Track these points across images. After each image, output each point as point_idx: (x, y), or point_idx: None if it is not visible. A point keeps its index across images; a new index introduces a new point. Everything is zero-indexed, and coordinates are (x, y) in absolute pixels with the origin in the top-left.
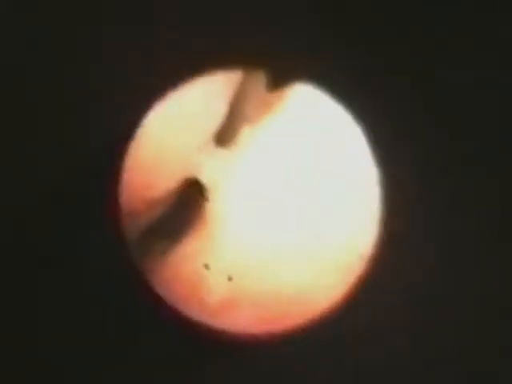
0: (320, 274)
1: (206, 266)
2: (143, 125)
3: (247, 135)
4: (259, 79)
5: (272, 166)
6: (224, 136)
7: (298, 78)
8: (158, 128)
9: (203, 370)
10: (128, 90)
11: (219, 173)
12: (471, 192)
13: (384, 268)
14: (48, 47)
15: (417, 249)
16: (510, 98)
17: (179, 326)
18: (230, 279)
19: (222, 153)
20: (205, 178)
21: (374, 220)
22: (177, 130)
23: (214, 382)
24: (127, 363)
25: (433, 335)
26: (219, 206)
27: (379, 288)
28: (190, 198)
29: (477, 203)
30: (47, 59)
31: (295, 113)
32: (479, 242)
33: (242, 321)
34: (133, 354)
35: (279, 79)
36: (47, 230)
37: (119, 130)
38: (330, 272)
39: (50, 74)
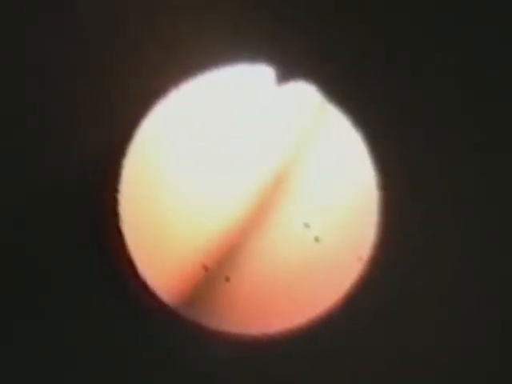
0: (319, 275)
1: (204, 267)
2: (143, 125)
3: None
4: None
5: (270, 167)
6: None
7: (295, 77)
8: (158, 128)
9: (203, 370)
10: (128, 89)
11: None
12: (471, 193)
13: (383, 270)
14: (48, 46)
15: (415, 250)
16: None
17: (177, 327)
18: (227, 280)
19: None
20: None
21: (372, 222)
22: (177, 129)
23: (214, 382)
24: (128, 363)
25: (433, 336)
26: (218, 208)
27: (378, 289)
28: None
29: (477, 204)
30: (46, 58)
31: (292, 113)
32: (479, 242)
33: (241, 321)
34: (132, 354)
35: (279, 78)
36: (45, 229)
37: (119, 129)
38: (329, 273)
39: (49, 73)
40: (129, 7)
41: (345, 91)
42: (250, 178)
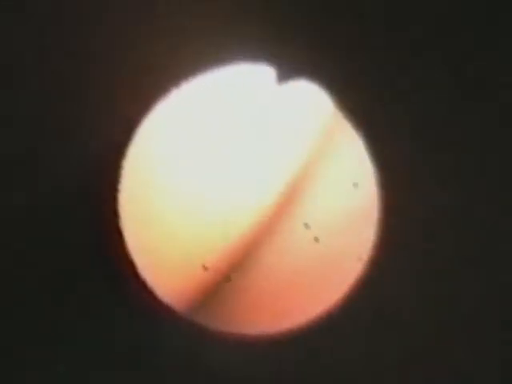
0: (319, 275)
1: (204, 267)
2: (143, 125)
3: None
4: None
5: (270, 167)
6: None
7: (296, 76)
8: (158, 128)
9: (203, 370)
10: (128, 89)
11: None
12: (471, 194)
13: (383, 270)
14: (48, 47)
15: (415, 251)
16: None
17: (176, 327)
18: (227, 280)
19: None
20: None
21: (372, 222)
22: (177, 129)
23: (214, 382)
24: (128, 363)
25: (433, 336)
26: (218, 208)
27: (378, 290)
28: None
29: (477, 205)
30: (46, 58)
31: (293, 113)
32: (480, 243)
33: (241, 322)
34: (132, 354)
35: (280, 78)
36: (45, 229)
37: (119, 129)
38: (329, 273)
39: (49, 73)
40: (129, 7)
41: (346, 91)
42: (249, 178)
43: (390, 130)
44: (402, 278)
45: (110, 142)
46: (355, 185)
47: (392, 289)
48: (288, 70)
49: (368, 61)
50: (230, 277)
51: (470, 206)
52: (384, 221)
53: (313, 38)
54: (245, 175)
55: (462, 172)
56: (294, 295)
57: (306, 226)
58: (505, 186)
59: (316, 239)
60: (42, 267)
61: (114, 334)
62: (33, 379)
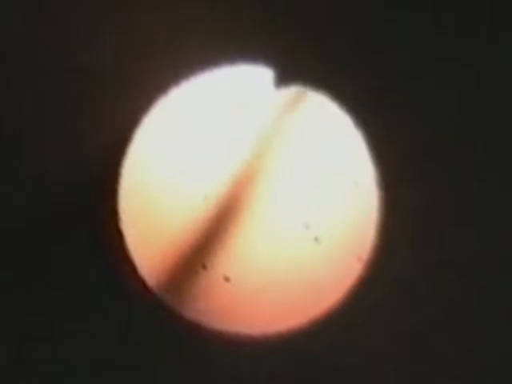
0: (319, 275)
1: (204, 266)
2: (143, 125)
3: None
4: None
5: (270, 168)
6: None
7: (297, 78)
8: (158, 128)
9: (203, 370)
10: (128, 90)
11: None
12: (472, 193)
13: (382, 270)
14: (48, 47)
15: (415, 251)
16: (510, 96)
17: (176, 327)
18: (227, 279)
19: None
20: None
21: (372, 222)
22: (177, 129)
23: (214, 382)
24: (127, 363)
25: (433, 336)
26: (218, 207)
27: (378, 290)
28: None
29: (477, 205)
30: (47, 59)
31: (293, 115)
32: (480, 242)
33: (241, 321)
34: (131, 354)
35: (280, 79)
36: (46, 230)
37: (119, 130)
38: (329, 273)
39: (49, 74)
40: (129, 8)
41: (346, 92)
42: (249, 178)
43: (390, 129)
44: (402, 277)
45: (109, 142)
46: (355, 184)
47: (392, 289)
48: (287, 71)
49: (368, 61)
50: (229, 276)
51: (472, 207)
52: (384, 221)
53: (312, 39)
54: (244, 175)
55: (463, 172)
56: (294, 295)
57: (306, 225)
58: (505, 185)
59: (316, 239)
60: (42, 267)
61: (114, 333)
62: (33, 379)
